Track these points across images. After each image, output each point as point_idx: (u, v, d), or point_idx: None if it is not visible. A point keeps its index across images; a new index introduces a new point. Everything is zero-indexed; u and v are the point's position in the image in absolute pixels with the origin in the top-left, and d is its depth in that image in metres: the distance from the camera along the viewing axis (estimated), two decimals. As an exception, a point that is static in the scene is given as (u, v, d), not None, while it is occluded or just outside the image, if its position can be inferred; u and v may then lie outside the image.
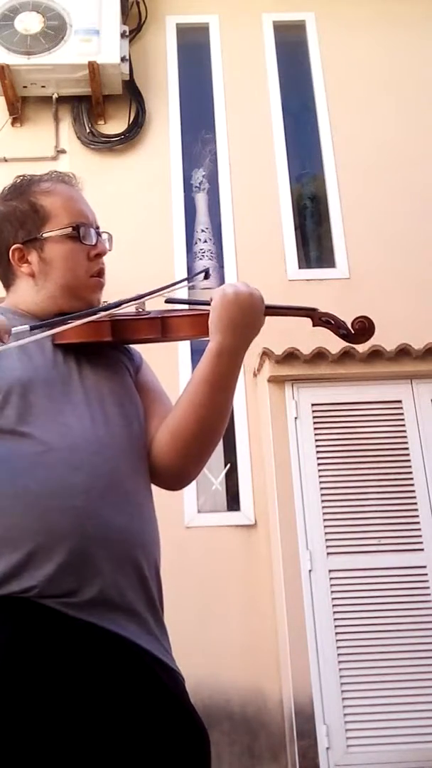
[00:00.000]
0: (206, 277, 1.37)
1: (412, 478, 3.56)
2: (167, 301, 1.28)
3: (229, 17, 4.95)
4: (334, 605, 3.36)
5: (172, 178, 4.53)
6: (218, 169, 4.59)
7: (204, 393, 1.21)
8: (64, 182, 1.33)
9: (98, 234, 1.32)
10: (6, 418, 1.11)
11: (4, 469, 1.08)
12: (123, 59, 4.41)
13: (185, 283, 1.45)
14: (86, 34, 4.34)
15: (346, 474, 3.56)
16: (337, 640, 3.31)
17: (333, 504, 3.51)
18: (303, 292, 4.20)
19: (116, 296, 1.28)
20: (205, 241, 4.45)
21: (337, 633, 3.32)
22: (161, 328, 1.23)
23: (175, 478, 1.29)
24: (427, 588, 3.40)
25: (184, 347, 3.99)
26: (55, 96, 4.53)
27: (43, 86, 4.49)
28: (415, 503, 3.52)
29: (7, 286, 1.33)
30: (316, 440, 3.62)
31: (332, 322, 1.25)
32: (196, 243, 4.45)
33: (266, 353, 3.68)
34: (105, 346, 1.27)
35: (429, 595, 3.39)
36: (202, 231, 4.49)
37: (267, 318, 1.24)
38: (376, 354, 3.64)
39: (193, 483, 3.66)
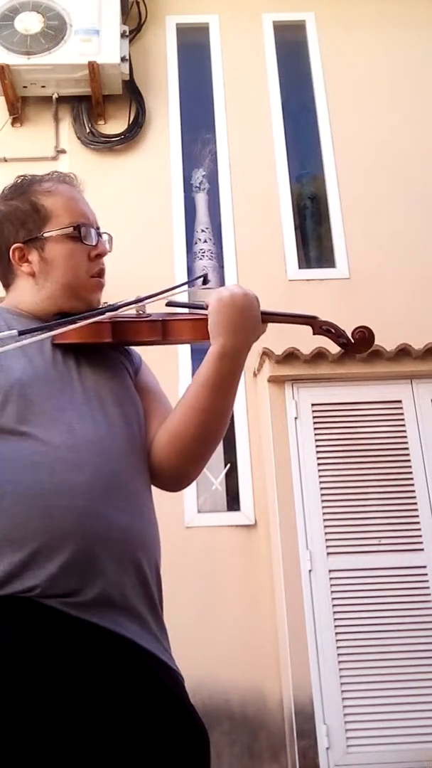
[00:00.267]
0: (204, 282, 1.37)
1: (412, 478, 3.57)
2: (168, 305, 1.28)
3: (229, 17, 4.96)
4: (334, 605, 3.37)
5: (172, 178, 4.53)
6: (218, 169, 4.59)
7: (204, 396, 1.21)
8: (65, 182, 1.33)
9: (99, 234, 1.32)
10: (6, 417, 1.11)
11: (5, 469, 1.08)
12: (123, 59, 4.41)
13: (186, 287, 1.45)
14: (86, 34, 4.34)
15: (346, 474, 3.56)
16: (337, 640, 3.31)
17: (333, 504, 3.52)
18: (303, 292, 4.20)
19: (116, 296, 1.28)
20: (205, 241, 4.45)
21: (337, 633, 3.32)
22: (162, 331, 1.23)
23: (175, 480, 1.29)
24: (427, 588, 3.41)
25: (184, 350, 3.99)
26: (55, 96, 4.53)
27: (43, 86, 4.49)
28: (415, 503, 3.52)
29: (7, 286, 1.33)
30: (316, 440, 3.62)
31: (332, 331, 1.25)
32: (196, 243, 4.45)
33: (266, 353, 3.68)
34: (105, 347, 1.27)
35: (429, 595, 3.40)
36: (202, 231, 4.49)
37: None
38: (376, 354, 3.64)
39: (193, 483, 3.67)
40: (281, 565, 3.46)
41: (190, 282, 1.44)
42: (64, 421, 1.14)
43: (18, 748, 0.96)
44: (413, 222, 4.42)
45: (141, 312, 1.22)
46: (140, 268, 3.90)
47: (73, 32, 4.34)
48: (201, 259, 4.39)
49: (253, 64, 4.85)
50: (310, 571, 3.41)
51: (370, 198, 4.49)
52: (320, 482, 3.55)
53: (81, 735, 0.99)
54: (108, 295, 1.35)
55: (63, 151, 4.51)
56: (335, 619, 3.35)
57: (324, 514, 3.50)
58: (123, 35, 4.48)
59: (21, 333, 1.07)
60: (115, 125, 4.60)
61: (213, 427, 1.23)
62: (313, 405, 3.69)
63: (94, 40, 4.34)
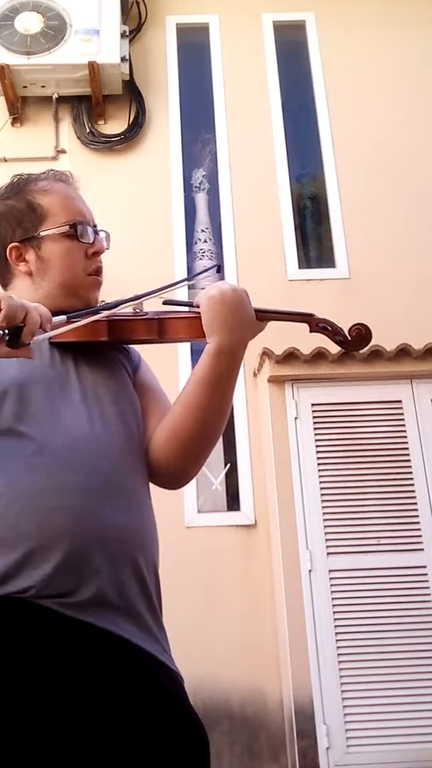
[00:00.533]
0: (218, 272, 1.38)
1: (412, 478, 3.56)
2: (165, 303, 1.27)
3: (229, 17, 4.95)
4: (334, 605, 3.36)
5: (172, 178, 4.53)
6: (218, 169, 4.59)
7: (202, 393, 1.20)
8: (61, 181, 1.33)
9: (96, 232, 1.32)
10: (3, 417, 1.11)
11: (1, 469, 1.08)
12: (123, 59, 4.41)
13: (184, 283, 1.45)
14: (86, 34, 4.34)
15: (346, 474, 3.56)
16: (337, 640, 3.31)
17: (333, 504, 3.51)
18: (303, 292, 4.20)
19: (115, 295, 1.28)
20: (205, 241, 4.45)
21: (337, 633, 3.32)
22: (158, 330, 1.23)
23: (174, 478, 1.28)
24: (427, 588, 3.40)
25: (183, 348, 3.99)
26: (55, 96, 4.53)
27: (43, 86, 4.49)
28: (415, 503, 3.52)
29: (4, 285, 1.32)
30: (316, 440, 3.62)
31: (329, 328, 1.25)
32: (196, 243, 4.45)
33: (266, 353, 3.68)
34: (102, 346, 1.26)
35: (429, 595, 3.39)
36: (202, 231, 4.49)
37: None
38: (376, 354, 3.63)
39: (193, 483, 3.68)
40: (281, 565, 3.46)
41: (190, 278, 1.44)
42: (60, 421, 1.13)
43: (14, 751, 0.95)
44: (413, 222, 4.42)
45: (138, 310, 1.22)
46: (140, 268, 3.90)
47: (73, 32, 4.34)
48: (201, 259, 4.39)
49: (253, 64, 4.85)
50: (310, 571, 3.41)
51: (370, 198, 4.49)
52: (320, 482, 3.55)
53: (79, 737, 0.98)
54: (108, 295, 1.34)
55: (63, 151, 4.51)
56: (335, 619, 3.34)
57: (324, 514, 3.49)
58: (123, 35, 4.48)
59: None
60: (115, 125, 4.60)
61: (211, 425, 1.23)
62: (313, 405, 3.69)
63: (94, 40, 4.34)
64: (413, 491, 3.54)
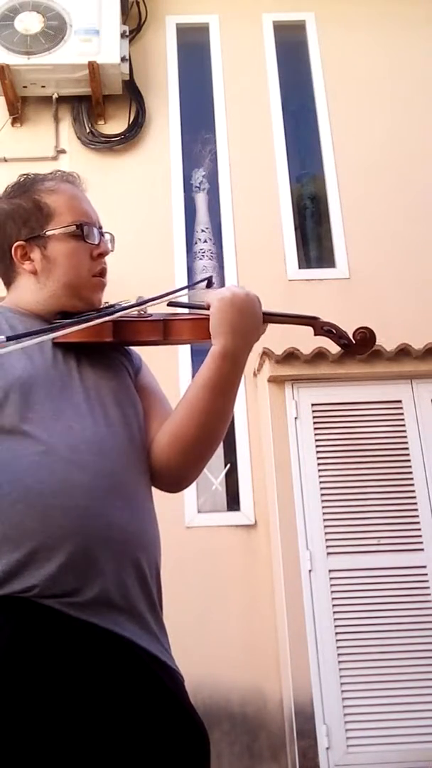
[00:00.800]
0: (209, 285, 1.37)
1: (412, 478, 3.56)
2: (170, 305, 1.27)
3: (229, 17, 4.95)
4: (334, 605, 3.36)
5: (172, 178, 4.53)
6: (218, 169, 4.59)
7: (205, 396, 1.20)
8: (68, 181, 1.33)
9: (101, 234, 1.32)
10: (6, 417, 1.11)
11: (5, 469, 1.08)
12: (123, 59, 4.41)
13: (185, 291, 1.44)
14: (86, 34, 4.34)
15: (346, 474, 3.56)
16: (337, 640, 3.31)
17: (333, 504, 3.51)
18: (303, 292, 4.20)
19: (116, 296, 1.28)
20: (205, 241, 4.45)
21: (337, 633, 3.32)
22: (163, 331, 1.23)
23: (175, 481, 1.28)
24: (427, 588, 3.40)
25: (184, 350, 3.99)
26: (55, 96, 4.53)
27: (43, 86, 4.48)
28: (415, 503, 3.52)
29: (9, 284, 1.32)
30: (316, 440, 3.62)
31: (334, 331, 1.25)
32: (196, 243, 4.45)
33: (266, 353, 3.68)
34: (105, 347, 1.26)
35: (429, 595, 3.39)
36: (202, 231, 4.49)
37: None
38: (376, 354, 3.63)
39: (193, 483, 3.67)
40: (281, 565, 3.46)
41: (193, 285, 1.43)
42: (64, 421, 1.13)
43: (16, 750, 0.95)
44: (413, 222, 4.42)
45: (142, 312, 1.22)
46: (140, 268, 3.90)
47: (73, 32, 4.34)
48: (201, 259, 4.39)
49: (253, 64, 4.85)
50: (310, 571, 3.41)
51: (370, 198, 4.49)
52: (320, 482, 3.55)
53: (80, 736, 0.98)
54: (108, 295, 1.35)
55: (63, 151, 4.51)
56: (335, 619, 3.34)
57: (324, 514, 3.50)
58: (123, 35, 4.48)
59: (8, 339, 1.02)
60: (115, 125, 4.60)
61: (213, 428, 1.23)
62: (313, 405, 3.69)
63: (94, 40, 4.34)
64: (413, 491, 3.54)
